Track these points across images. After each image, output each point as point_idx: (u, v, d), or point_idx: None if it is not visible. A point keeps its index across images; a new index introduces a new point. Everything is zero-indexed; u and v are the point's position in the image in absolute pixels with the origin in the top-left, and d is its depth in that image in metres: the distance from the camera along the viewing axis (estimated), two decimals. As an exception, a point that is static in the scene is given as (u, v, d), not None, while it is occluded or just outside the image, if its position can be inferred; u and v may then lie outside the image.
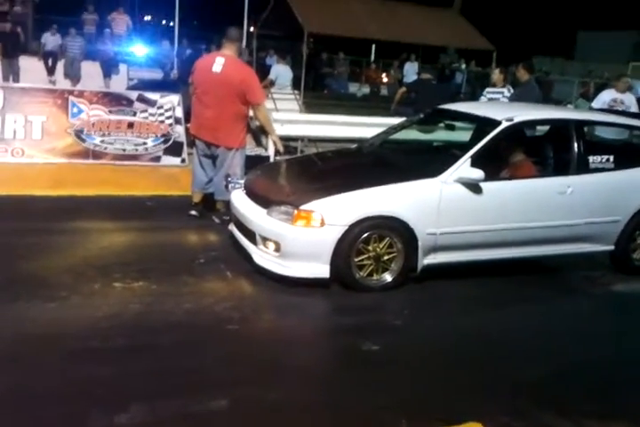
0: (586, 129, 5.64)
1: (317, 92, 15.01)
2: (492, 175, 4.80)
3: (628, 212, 5.22)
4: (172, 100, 8.14)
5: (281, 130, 6.71)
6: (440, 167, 4.71)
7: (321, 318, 4.30)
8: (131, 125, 7.89)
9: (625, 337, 4.24)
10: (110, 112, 7.84)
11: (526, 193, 4.94)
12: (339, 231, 4.34)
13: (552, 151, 5.44)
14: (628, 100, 8.79)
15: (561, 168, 5.18)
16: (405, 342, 3.88)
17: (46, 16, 16.75)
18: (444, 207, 4.62)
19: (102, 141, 7.77)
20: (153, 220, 5.87)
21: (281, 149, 5.87)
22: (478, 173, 4.60)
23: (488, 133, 4.90)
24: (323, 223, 4.35)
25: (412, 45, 17.02)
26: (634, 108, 8.62)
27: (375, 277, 4.53)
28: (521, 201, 4.90)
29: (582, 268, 5.46)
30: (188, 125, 8.60)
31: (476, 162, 4.69)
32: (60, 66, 14.43)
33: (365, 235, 4.41)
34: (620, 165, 5.28)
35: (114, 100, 7.91)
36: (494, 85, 8.85)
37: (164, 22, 28.58)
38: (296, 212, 4.40)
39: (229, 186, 5.55)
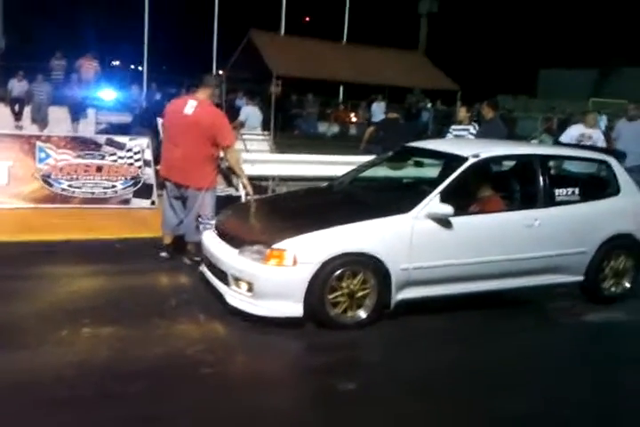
0: (550, 163, 5.76)
1: (287, 132, 15.15)
2: (461, 210, 4.86)
3: (595, 243, 5.31)
4: (141, 143, 8.14)
5: (252, 170, 6.72)
6: (410, 203, 4.75)
7: (296, 358, 4.23)
8: (99, 169, 7.84)
9: (598, 369, 4.23)
10: (78, 156, 7.79)
11: (495, 227, 5.00)
12: (312, 269, 4.32)
13: (518, 185, 5.53)
14: (596, 135, 9.05)
15: (528, 201, 5.26)
16: (381, 379, 3.83)
17: (13, 63, 16.77)
18: (415, 242, 4.64)
19: (70, 186, 7.70)
20: (123, 263, 5.78)
21: (250, 191, 5.87)
22: (448, 209, 4.65)
23: (456, 169, 4.98)
24: (295, 262, 4.33)
25: (380, 86, 17.39)
26: (601, 143, 8.86)
27: (349, 313, 4.49)
28: (490, 235, 4.96)
29: (553, 299, 5.50)
30: (158, 167, 8.62)
31: (445, 197, 4.75)
32: (28, 111, 14.38)
33: (339, 272, 4.40)
34: (585, 197, 5.40)
35: (82, 145, 7.88)
36: (460, 123, 9.06)
37: (132, 67, 28.83)
38: (268, 251, 4.38)
39: (200, 227, 5.52)
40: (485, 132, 8.11)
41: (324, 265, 4.34)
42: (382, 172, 6.72)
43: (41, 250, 5.94)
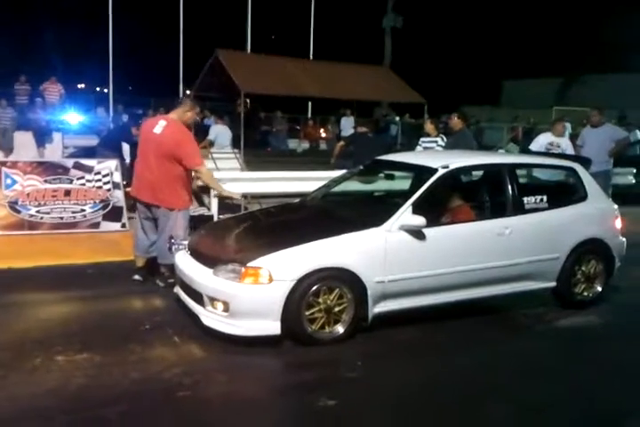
0: (519, 172, 5.84)
1: (258, 149, 15.17)
2: (433, 221, 4.88)
3: (565, 248, 5.38)
4: (110, 165, 8.06)
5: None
6: (383, 216, 4.77)
7: (275, 377, 4.18)
8: (68, 193, 7.73)
9: (574, 375, 4.26)
10: (46, 181, 7.68)
11: (467, 236, 5.03)
12: (288, 286, 4.30)
13: (488, 195, 5.60)
14: (565, 143, 9.23)
15: (498, 210, 5.32)
16: (361, 394, 3.81)
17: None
18: (390, 255, 4.65)
19: (38, 211, 7.56)
20: (94, 288, 5.68)
21: (238, 196, 5.93)
22: (420, 220, 4.68)
23: (426, 181, 5.02)
24: (271, 279, 4.31)
25: (348, 101, 17.52)
26: (569, 151, 9.03)
27: (327, 329, 4.47)
28: (463, 244, 4.99)
29: (527, 306, 5.54)
30: (128, 190, 8.53)
31: (417, 209, 4.78)
32: (-9, 138, 14.17)
33: (315, 288, 4.39)
34: (554, 204, 5.47)
35: (49, 169, 7.77)
36: (428, 135, 9.17)
37: (98, 89, 28.64)
38: (243, 269, 4.35)
39: (173, 248, 5.45)
40: (454, 144, 8.21)
41: (300, 281, 4.33)
42: (354, 186, 6.76)
43: (10, 278, 5.82)
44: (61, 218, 7.67)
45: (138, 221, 5.84)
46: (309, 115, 21.60)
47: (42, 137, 13.82)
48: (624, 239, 5.81)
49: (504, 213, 5.25)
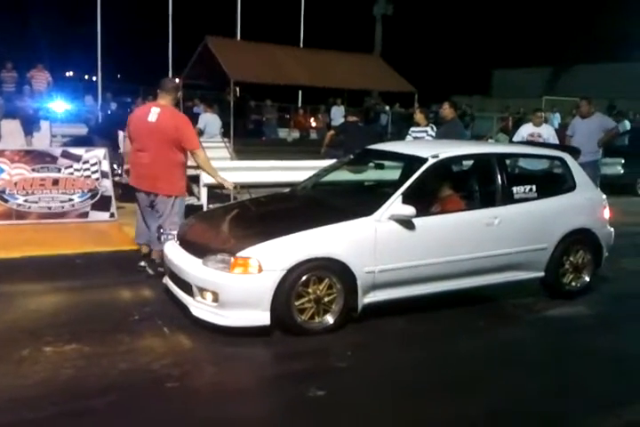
0: (508, 162, 5.85)
1: (248, 138, 15.08)
2: (423, 211, 4.89)
3: (554, 238, 5.40)
4: (98, 154, 7.99)
5: (212, 179, 6.64)
6: (373, 206, 4.77)
7: (264, 367, 4.18)
8: (56, 182, 7.67)
9: (562, 365, 4.30)
10: (33, 170, 7.61)
11: (457, 226, 5.05)
12: (277, 276, 4.30)
13: (478, 184, 5.60)
14: (546, 133, 9.26)
15: (487, 200, 5.33)
16: (351, 384, 3.83)
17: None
18: (379, 245, 4.65)
19: (26, 200, 7.51)
20: (83, 278, 5.66)
21: (230, 186, 5.91)
22: (410, 210, 4.68)
23: (416, 171, 5.02)
24: (260, 269, 4.30)
25: (338, 90, 17.43)
26: (552, 140, 9.07)
27: (317, 319, 4.48)
28: (452, 234, 5.00)
29: (516, 296, 5.56)
30: (116, 179, 8.48)
31: (407, 199, 4.78)
32: (-21, 126, 13.97)
33: (304, 278, 4.39)
34: (542, 193, 5.49)
35: (37, 158, 7.70)
36: (418, 125, 9.14)
37: (86, 77, 28.35)
38: (233, 259, 4.34)
39: (162, 237, 5.43)
40: (445, 133, 8.19)
41: (290, 271, 4.33)
42: (344, 175, 6.74)
43: (-2, 268, 5.78)
44: (49, 207, 7.62)
45: (137, 210, 5.83)
46: (300, 104, 21.47)
47: (29, 125, 13.64)
48: (612, 229, 5.85)
49: (493, 202, 5.26)
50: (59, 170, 7.73)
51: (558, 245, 5.42)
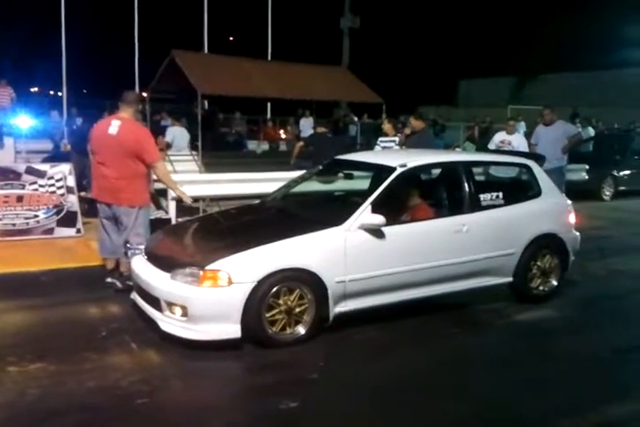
0: (475, 170, 5.91)
1: (216, 151, 15.02)
2: (392, 220, 4.90)
3: (521, 244, 5.46)
4: (63, 169, 7.87)
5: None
6: (342, 216, 4.77)
7: (235, 381, 4.13)
8: (20, 199, 7.53)
9: (531, 368, 4.31)
10: (-4, 187, 7.45)
11: (426, 234, 5.07)
12: (247, 288, 4.26)
13: (446, 192, 5.65)
14: (517, 141, 9.48)
15: (455, 208, 5.38)
16: (323, 395, 3.79)
17: None
18: (350, 254, 4.65)
19: (-10, 218, 7.34)
20: (49, 295, 5.54)
21: (189, 201, 5.88)
22: (379, 219, 4.69)
23: (384, 180, 5.04)
24: (230, 282, 4.26)
25: (306, 101, 17.50)
26: (522, 148, 9.24)
27: (288, 331, 4.45)
28: (422, 242, 5.03)
29: (485, 301, 5.60)
30: (82, 194, 8.35)
31: (376, 208, 4.79)
32: (-60, 144, 13.66)
33: (275, 289, 4.36)
34: (509, 200, 5.55)
35: (0, 175, 7.54)
36: (386, 135, 9.23)
37: (52, 92, 28.03)
38: (202, 273, 4.30)
39: (129, 252, 5.36)
40: (416, 143, 8.26)
41: (260, 283, 4.29)
42: (313, 186, 6.76)
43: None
44: (14, 224, 7.46)
45: (99, 223, 5.77)
46: (269, 116, 21.49)
47: (-8, 142, 13.41)
48: (578, 234, 5.94)
49: (461, 210, 5.31)
50: (23, 186, 7.59)
51: (526, 250, 5.48)
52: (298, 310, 4.46)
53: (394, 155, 6.64)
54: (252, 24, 23.19)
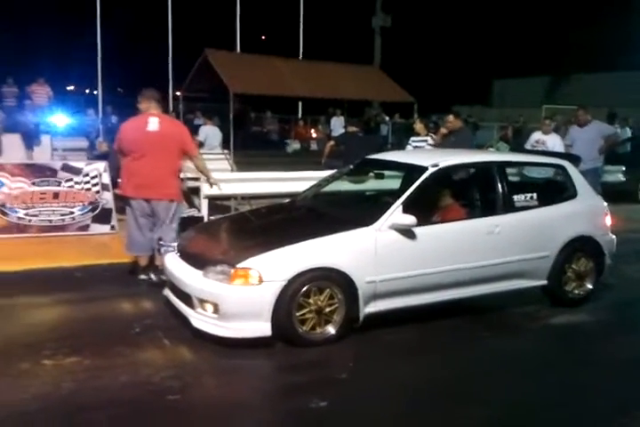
0: (508, 170, 5.83)
1: (247, 150, 15.13)
2: (423, 220, 4.86)
3: (555, 246, 5.37)
4: (98, 167, 7.99)
5: (213, 190, 6.64)
6: (373, 216, 4.75)
7: (265, 379, 4.15)
8: (56, 196, 7.67)
9: (565, 374, 4.24)
10: (34, 184, 7.61)
11: (458, 235, 5.02)
12: (278, 287, 4.27)
13: (478, 193, 5.59)
14: (551, 141, 9.30)
15: (488, 209, 5.32)
16: (353, 395, 3.78)
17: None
18: (380, 255, 4.63)
19: (26, 214, 7.50)
20: (83, 291, 5.63)
21: (220, 188, 6.12)
22: (410, 219, 4.66)
23: (416, 180, 5.01)
24: (261, 280, 4.28)
25: (338, 101, 17.50)
26: (558, 148, 9.08)
27: (318, 330, 4.45)
28: (453, 243, 4.98)
29: (519, 304, 5.52)
30: (117, 191, 8.46)
31: (407, 208, 4.76)
32: (-20, 141, 14.00)
33: (305, 288, 4.36)
34: (544, 201, 5.47)
35: (37, 172, 7.70)
36: (418, 135, 9.15)
37: (87, 91, 28.51)
38: (233, 270, 4.32)
39: (162, 249, 5.42)
40: (457, 142, 8.11)
41: (291, 282, 4.30)
42: (344, 185, 6.75)
43: (-2, 282, 5.76)
44: (50, 221, 7.61)
45: (132, 220, 5.84)
46: (300, 115, 21.56)
47: (30, 140, 13.69)
48: (614, 237, 5.82)
49: (494, 211, 5.24)
50: (59, 183, 7.73)
51: (560, 252, 5.38)
52: (328, 309, 4.45)
53: (426, 154, 6.60)
54: (284, 23, 23.24)
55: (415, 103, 14.54)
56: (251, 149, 15.66)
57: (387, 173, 6.71)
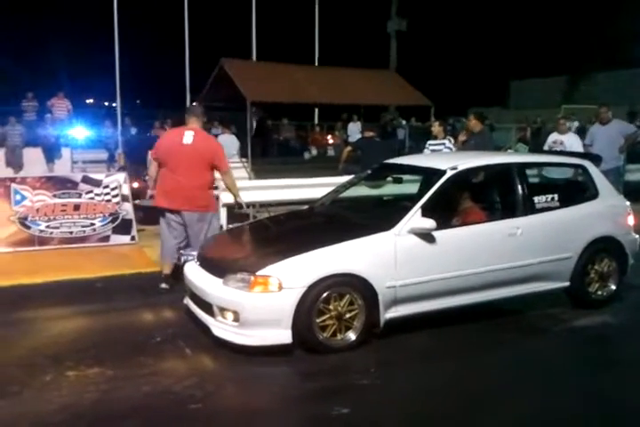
0: (528, 171, 5.77)
1: (265, 158, 15.18)
2: (443, 223, 4.82)
3: (578, 247, 5.30)
4: (118, 178, 8.07)
5: (230, 198, 6.66)
6: (392, 220, 4.73)
7: (287, 387, 4.13)
8: (77, 207, 7.75)
9: (591, 377, 4.17)
10: (55, 196, 7.69)
11: (478, 238, 4.97)
12: (298, 294, 4.26)
13: (498, 195, 5.54)
14: (568, 141, 9.18)
15: (508, 211, 5.25)
16: (374, 401, 3.75)
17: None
18: (400, 259, 4.60)
19: (48, 226, 7.58)
20: (105, 301, 5.67)
21: (244, 207, 6.16)
22: (430, 223, 4.63)
23: (435, 183, 4.97)
24: (281, 287, 4.27)
25: (354, 106, 17.48)
26: (575, 148, 8.96)
27: (339, 336, 4.42)
28: (474, 246, 4.92)
29: (541, 307, 5.45)
30: (137, 202, 8.54)
31: (426, 212, 4.72)
32: (1, 155, 14.23)
33: (325, 294, 4.34)
34: (565, 202, 5.40)
35: (57, 184, 7.78)
36: (435, 138, 9.09)
37: (106, 104, 28.88)
38: (252, 278, 4.32)
39: (182, 258, 5.44)
40: (477, 145, 8.04)
41: (310, 289, 4.29)
42: (362, 190, 6.72)
43: (21, 294, 5.81)
44: (71, 232, 7.69)
45: (165, 228, 5.96)
46: (316, 121, 21.58)
47: (51, 153, 13.92)
48: (637, 236, 5.73)
49: (514, 213, 5.18)
50: (79, 195, 7.81)
51: (583, 253, 5.31)
52: (348, 315, 4.43)
53: (444, 157, 6.55)
54: (299, 30, 23.34)
55: (432, 106, 14.46)
56: (268, 156, 15.72)
57: (405, 177, 6.68)
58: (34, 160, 13.57)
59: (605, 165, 7.06)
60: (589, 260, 5.37)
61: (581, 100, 22.52)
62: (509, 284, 5.07)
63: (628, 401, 3.80)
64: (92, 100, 32.78)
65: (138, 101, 31.06)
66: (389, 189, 7.44)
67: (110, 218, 7.86)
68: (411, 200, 5.03)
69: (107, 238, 7.81)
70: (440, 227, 4.69)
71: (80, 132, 16.39)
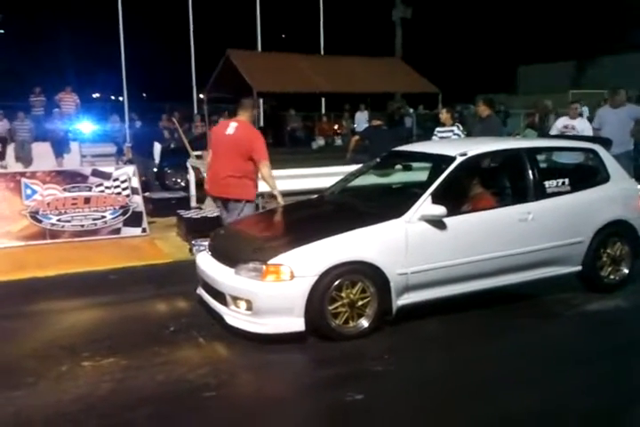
0: (538, 156, 5.73)
1: (273, 148, 15.16)
2: (454, 210, 4.81)
3: (590, 231, 5.27)
4: (127, 171, 8.11)
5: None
6: (402, 207, 4.72)
7: (301, 374, 4.15)
8: (87, 201, 7.79)
9: (605, 360, 4.15)
10: (65, 190, 7.74)
11: (489, 224, 4.95)
12: (310, 282, 4.27)
13: (509, 180, 5.51)
14: (580, 126, 9.10)
15: (519, 196, 5.23)
16: (388, 388, 3.77)
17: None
18: (411, 246, 4.59)
19: (59, 220, 7.63)
20: (118, 293, 5.71)
21: (281, 202, 6.11)
22: (440, 210, 4.61)
23: (444, 170, 4.95)
24: (292, 276, 4.28)
25: (361, 95, 17.40)
26: (587, 132, 8.89)
27: (351, 324, 4.43)
28: (485, 232, 4.91)
29: (554, 291, 5.43)
30: (146, 194, 8.58)
31: (436, 198, 4.71)
32: (11, 150, 14.31)
33: (337, 282, 4.35)
34: (576, 187, 5.37)
35: (68, 178, 7.83)
36: (444, 125, 9.04)
37: (113, 98, 28.90)
38: (264, 267, 4.33)
39: (193, 249, 5.46)
40: (484, 130, 7.99)
41: (322, 277, 4.30)
42: (372, 178, 6.70)
43: (34, 287, 5.87)
44: (82, 226, 7.73)
45: (221, 211, 6.25)
46: (323, 111, 21.51)
47: (60, 147, 13.96)
48: (650, 220, 5.67)
49: (525, 198, 5.16)
50: (90, 188, 7.85)
51: (594, 237, 5.28)
52: (360, 303, 4.44)
53: (453, 144, 6.51)
54: (304, 19, 23.22)
55: (439, 93, 14.37)
56: (276, 146, 15.69)
57: (414, 164, 6.65)
58: (43, 155, 13.62)
59: (616, 149, 6.98)
60: (601, 244, 5.34)
61: (588, 85, 22.32)
62: (521, 269, 5.06)
63: (636, 384, 3.80)
64: (98, 95, 32.83)
65: (144, 95, 31.08)
66: (399, 176, 7.40)
67: (121, 211, 7.90)
68: (421, 187, 5.00)
69: (118, 231, 7.85)
70: (450, 213, 4.68)
71: (87, 126, 16.43)
